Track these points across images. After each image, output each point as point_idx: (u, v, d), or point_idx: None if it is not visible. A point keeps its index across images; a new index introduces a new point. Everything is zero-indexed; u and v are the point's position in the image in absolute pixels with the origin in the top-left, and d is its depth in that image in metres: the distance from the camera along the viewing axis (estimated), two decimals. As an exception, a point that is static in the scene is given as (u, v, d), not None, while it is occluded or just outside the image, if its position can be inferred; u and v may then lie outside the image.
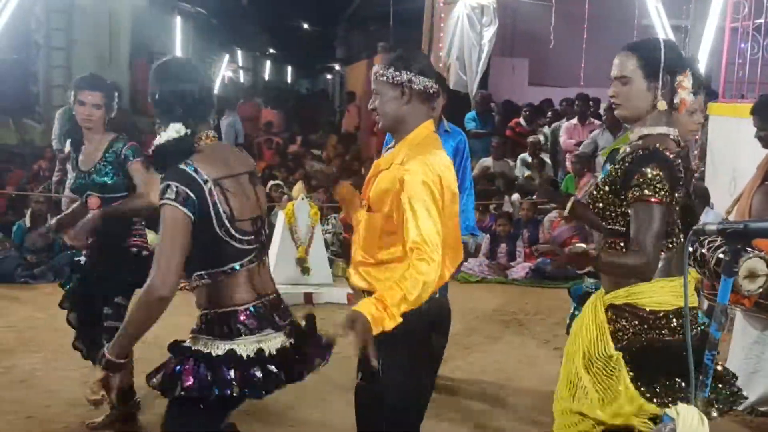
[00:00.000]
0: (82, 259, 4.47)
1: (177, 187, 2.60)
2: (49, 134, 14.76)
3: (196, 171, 2.66)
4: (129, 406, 4.52)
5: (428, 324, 2.89)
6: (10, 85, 13.97)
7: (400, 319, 2.61)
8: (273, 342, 2.75)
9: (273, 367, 2.70)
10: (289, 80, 40.22)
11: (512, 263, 9.11)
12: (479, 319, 7.19)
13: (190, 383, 2.62)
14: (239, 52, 31.34)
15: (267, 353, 2.71)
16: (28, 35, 14.35)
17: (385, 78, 2.91)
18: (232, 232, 2.70)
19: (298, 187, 8.41)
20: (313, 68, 36.31)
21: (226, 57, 25.44)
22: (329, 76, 34.32)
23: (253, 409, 4.74)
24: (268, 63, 38.36)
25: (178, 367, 2.67)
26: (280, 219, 8.15)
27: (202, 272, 2.73)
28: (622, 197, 2.70)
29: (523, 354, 6.26)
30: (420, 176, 2.78)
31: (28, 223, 8.56)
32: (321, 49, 31.83)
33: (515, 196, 10.33)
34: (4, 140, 14.31)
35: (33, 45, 14.78)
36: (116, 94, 4.36)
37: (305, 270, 7.99)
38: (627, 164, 2.71)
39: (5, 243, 8.47)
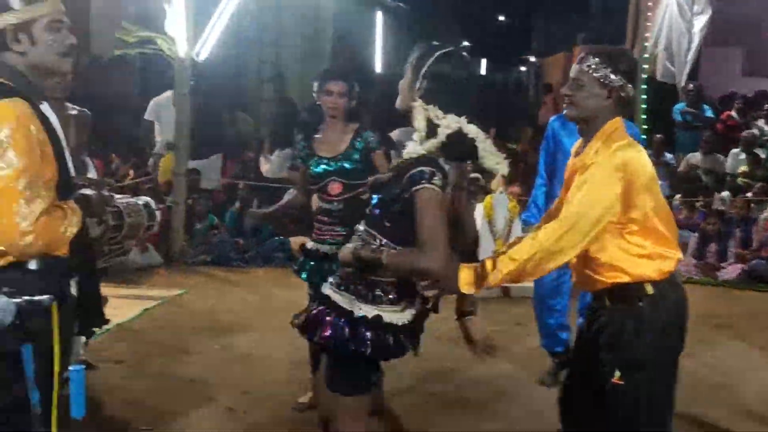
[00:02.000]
0: (309, 243, 4.58)
1: (439, 175, 2.80)
2: (259, 126, 15.61)
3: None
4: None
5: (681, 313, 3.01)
6: (224, 80, 14.80)
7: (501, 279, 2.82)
8: (407, 313, 2.93)
9: (404, 337, 2.90)
10: (483, 72, 40.09)
11: (723, 264, 8.64)
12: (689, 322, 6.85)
13: (327, 334, 2.85)
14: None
15: (401, 323, 2.90)
16: (242, 31, 15.14)
17: (595, 74, 2.97)
18: None
19: (497, 180, 8.37)
20: (507, 60, 35.94)
21: (423, 50, 25.67)
22: (523, 68, 33.90)
23: (452, 398, 4.79)
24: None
25: (321, 317, 2.90)
26: (479, 211, 8.15)
27: (392, 244, 2.88)
28: None
29: (743, 360, 5.93)
30: (604, 163, 2.88)
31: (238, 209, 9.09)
32: (516, 40, 31.46)
33: (725, 193, 9.78)
34: (218, 130, 15.19)
35: (247, 41, 15.59)
36: (356, 85, 4.52)
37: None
38: None
39: (220, 228, 9.01)
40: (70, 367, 2.29)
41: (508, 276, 2.86)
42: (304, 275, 4.56)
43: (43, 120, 2.68)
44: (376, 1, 19.13)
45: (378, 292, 2.88)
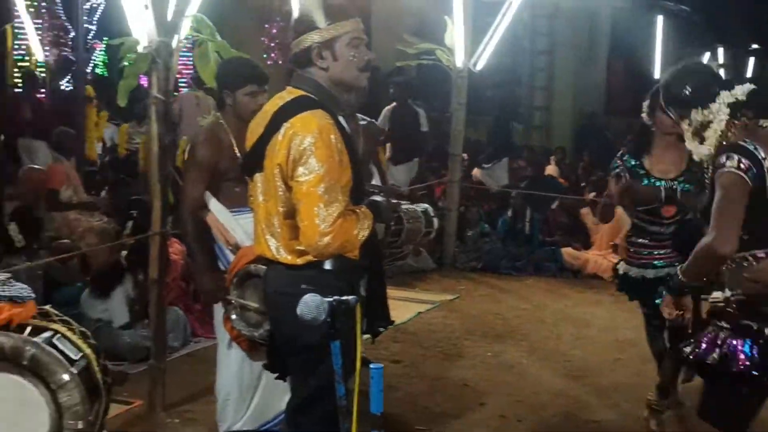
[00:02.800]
0: (625, 267, 4.37)
1: (740, 158, 2.75)
2: (530, 134, 15.60)
3: (755, 149, 2.79)
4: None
5: None
6: (498, 88, 14.98)
7: None
8: None
9: None
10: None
11: None
12: None
13: (744, 362, 2.72)
14: (720, 50, 29.70)
15: None
16: (515, 40, 15.23)
17: None
18: None
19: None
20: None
21: (707, 55, 24.31)
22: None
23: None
24: (752, 60, 35.73)
25: (734, 344, 2.75)
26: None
27: (759, 252, 2.78)
28: None
29: None
30: None
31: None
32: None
33: None
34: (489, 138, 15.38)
35: (519, 49, 15.66)
36: None
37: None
38: None
39: (492, 235, 9.10)
40: (371, 365, 2.44)
41: None
42: (635, 295, 4.38)
43: (341, 130, 2.87)
44: (656, 5, 18.37)
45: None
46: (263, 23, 12.78)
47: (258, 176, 2.95)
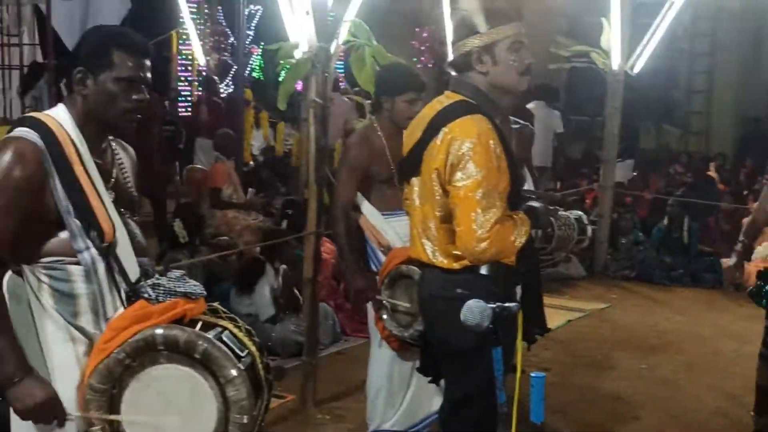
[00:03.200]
0: None
1: None
2: (687, 139, 14.99)
3: None
4: None
5: None
6: (653, 91, 14.47)
7: None
8: None
9: None
10: None
11: None
12: None
13: None
14: None
15: None
16: (673, 42, 14.68)
17: None
18: None
19: None
20: None
21: None
22: None
23: None
24: None
25: None
26: None
27: None
28: None
29: None
30: None
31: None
32: None
33: None
34: (643, 144, 14.92)
35: (677, 51, 15.08)
36: None
37: None
38: None
39: (646, 244, 8.79)
40: (532, 374, 2.41)
41: None
42: (763, 302, 4.16)
43: (500, 135, 2.85)
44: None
45: None
46: (414, 27, 12.90)
47: (415, 180, 2.97)
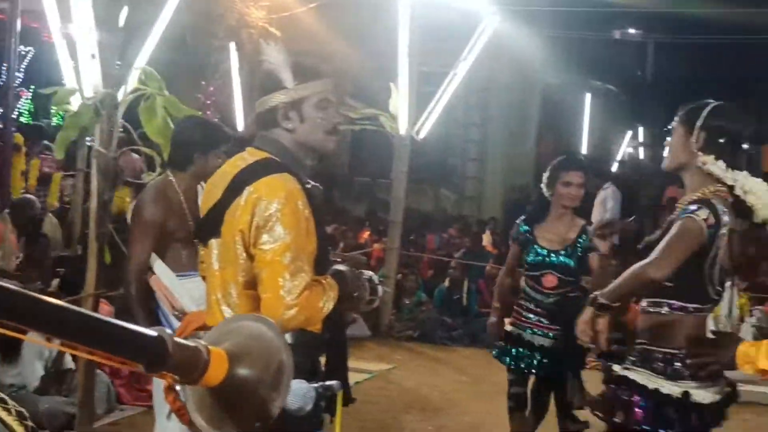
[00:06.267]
0: (509, 327, 4.49)
1: (708, 213, 2.76)
2: (461, 203, 15.68)
3: (723, 213, 2.81)
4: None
5: None
6: (432, 157, 15.05)
7: None
8: (714, 390, 2.78)
9: (709, 417, 2.75)
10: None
11: None
12: None
13: (638, 415, 2.73)
14: (641, 129, 30.82)
15: (707, 402, 2.75)
16: (449, 111, 15.41)
17: None
18: (715, 278, 2.78)
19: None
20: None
21: (629, 133, 25.15)
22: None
23: None
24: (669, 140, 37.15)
25: (627, 397, 2.79)
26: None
27: (677, 302, 2.79)
28: None
29: None
30: None
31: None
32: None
33: None
34: (422, 207, 15.42)
35: (453, 120, 15.83)
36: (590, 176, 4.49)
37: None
38: None
39: (428, 304, 8.99)
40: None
41: None
42: (507, 359, 4.49)
43: (308, 195, 2.72)
44: (585, 84, 18.94)
45: (677, 365, 2.75)
46: (200, 80, 12.62)
47: (214, 242, 2.75)
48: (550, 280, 4.31)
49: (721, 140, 2.88)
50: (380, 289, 5.01)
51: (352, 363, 7.18)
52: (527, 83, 16.51)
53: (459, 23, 9.99)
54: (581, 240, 4.35)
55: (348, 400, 3.00)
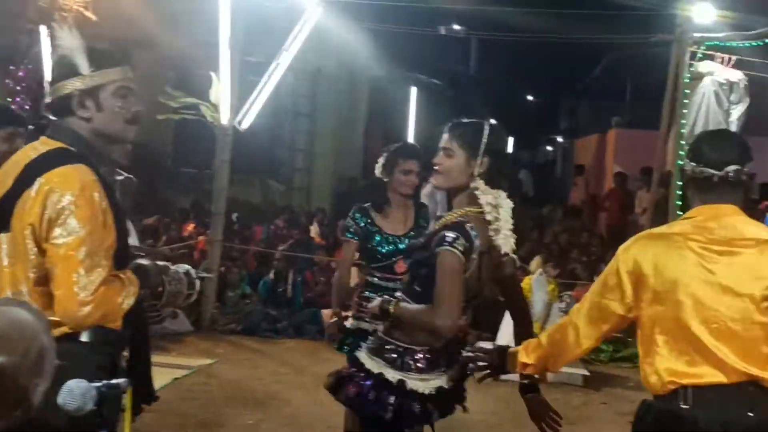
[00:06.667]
0: (350, 322, 4.51)
1: (464, 242, 2.82)
2: (290, 194, 15.63)
3: (476, 238, 2.88)
4: None
5: None
6: (260, 147, 14.91)
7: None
8: (435, 382, 2.93)
9: (431, 405, 2.90)
10: (509, 151, 40.28)
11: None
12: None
13: (351, 394, 2.93)
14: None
15: (428, 392, 2.90)
16: (278, 101, 15.31)
17: None
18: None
19: (537, 262, 8.25)
20: (534, 140, 36.15)
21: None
22: (550, 148, 34.02)
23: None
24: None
25: (350, 377, 2.98)
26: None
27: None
28: None
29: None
30: None
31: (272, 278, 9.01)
32: (544, 121, 31.70)
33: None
34: (249, 198, 15.25)
35: (282, 110, 15.74)
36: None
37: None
38: None
39: (252, 297, 8.91)
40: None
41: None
42: (345, 349, 4.49)
43: (105, 186, 2.61)
44: (411, 77, 19.35)
45: (408, 360, 2.90)
46: (8, 64, 11.88)
47: (3, 236, 2.59)
48: (401, 266, 4.33)
49: (498, 164, 2.96)
50: (198, 282, 4.93)
51: (172, 359, 7.09)
52: (355, 76, 16.66)
53: (284, 14, 9.93)
54: (421, 220, 4.46)
55: (150, 398, 2.93)
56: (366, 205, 4.51)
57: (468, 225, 2.87)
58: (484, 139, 2.92)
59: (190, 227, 11.59)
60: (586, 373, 7.43)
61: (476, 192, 2.93)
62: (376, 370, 2.91)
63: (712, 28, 11.34)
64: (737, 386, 2.42)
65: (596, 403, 6.88)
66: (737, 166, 2.57)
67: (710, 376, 2.43)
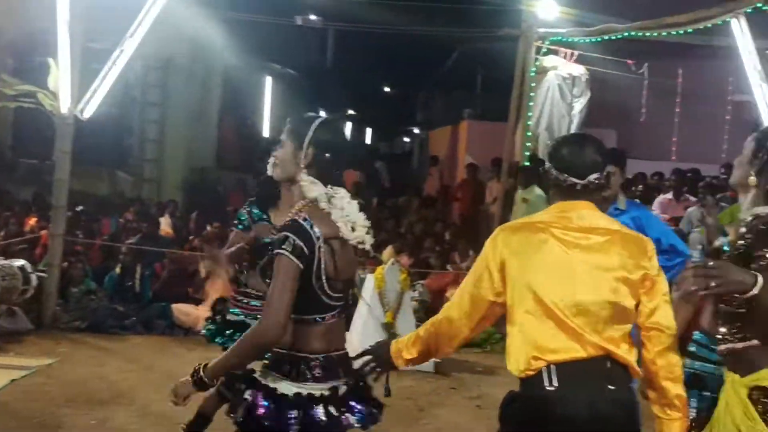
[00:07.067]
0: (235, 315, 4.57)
1: (294, 240, 2.74)
2: (140, 186, 15.17)
3: (312, 227, 2.79)
4: None
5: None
6: (106, 138, 14.38)
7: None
8: (327, 385, 2.85)
9: (334, 410, 2.80)
10: (368, 141, 40.61)
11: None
12: None
13: (261, 413, 2.74)
14: (322, 113, 31.86)
15: (326, 393, 2.82)
16: (126, 90, 14.81)
17: None
18: (326, 288, 2.82)
19: (389, 251, 8.35)
20: (392, 131, 36.63)
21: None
22: (407, 140, 34.53)
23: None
24: (349, 124, 38.85)
25: (248, 396, 2.79)
26: (369, 283, 8.09)
27: (298, 316, 2.82)
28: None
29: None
30: None
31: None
32: (401, 112, 32.10)
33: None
34: (96, 190, 14.70)
35: (130, 99, 15.24)
36: None
37: (392, 336, 7.87)
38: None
39: (98, 293, 8.58)
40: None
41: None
42: (220, 340, 4.53)
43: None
44: (265, 66, 19.16)
45: (303, 368, 2.81)
46: None
47: None
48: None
49: (326, 156, 2.95)
50: (34, 277, 4.72)
51: (10, 359, 6.75)
52: (208, 65, 16.33)
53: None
54: None
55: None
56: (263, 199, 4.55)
57: (302, 218, 2.83)
58: (311, 132, 2.90)
59: (32, 221, 11.06)
60: (437, 359, 7.59)
61: (302, 184, 2.91)
62: (272, 385, 2.80)
63: (555, 24, 11.88)
64: (596, 360, 2.65)
65: (446, 389, 7.04)
66: (598, 174, 2.79)
67: (571, 350, 2.64)
